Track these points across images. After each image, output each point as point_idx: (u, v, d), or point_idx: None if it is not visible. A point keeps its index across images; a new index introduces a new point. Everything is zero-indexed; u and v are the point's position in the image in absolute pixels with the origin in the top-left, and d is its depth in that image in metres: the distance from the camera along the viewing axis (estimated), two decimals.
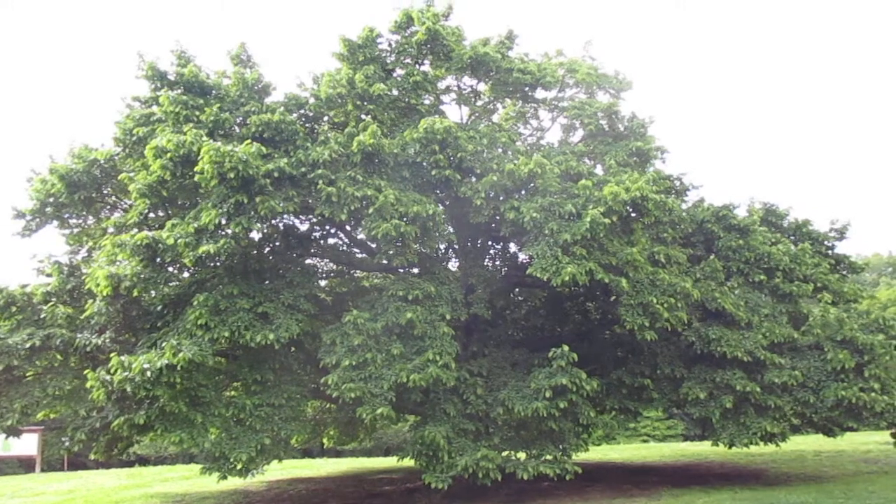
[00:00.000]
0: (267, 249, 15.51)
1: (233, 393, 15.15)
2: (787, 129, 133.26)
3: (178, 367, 11.73)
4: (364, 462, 27.75)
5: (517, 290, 18.93)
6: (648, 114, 17.44)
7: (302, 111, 15.39)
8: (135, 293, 13.29)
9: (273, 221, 14.73)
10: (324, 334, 13.53)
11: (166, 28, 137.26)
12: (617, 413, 16.86)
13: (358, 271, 19.08)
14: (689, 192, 18.75)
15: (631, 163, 15.87)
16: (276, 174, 12.80)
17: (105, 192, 16.19)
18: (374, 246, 15.23)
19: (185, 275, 14.87)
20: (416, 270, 15.37)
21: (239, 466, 12.93)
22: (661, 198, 14.09)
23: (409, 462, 14.51)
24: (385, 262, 14.72)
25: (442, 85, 17.14)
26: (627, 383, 15.71)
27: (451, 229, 16.00)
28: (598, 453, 25.45)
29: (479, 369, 14.95)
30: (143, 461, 36.37)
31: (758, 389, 14.69)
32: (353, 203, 13.05)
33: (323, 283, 18.45)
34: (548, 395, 13.22)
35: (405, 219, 13.23)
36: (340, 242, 17.45)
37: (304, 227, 16.11)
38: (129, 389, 11.88)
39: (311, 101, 15.53)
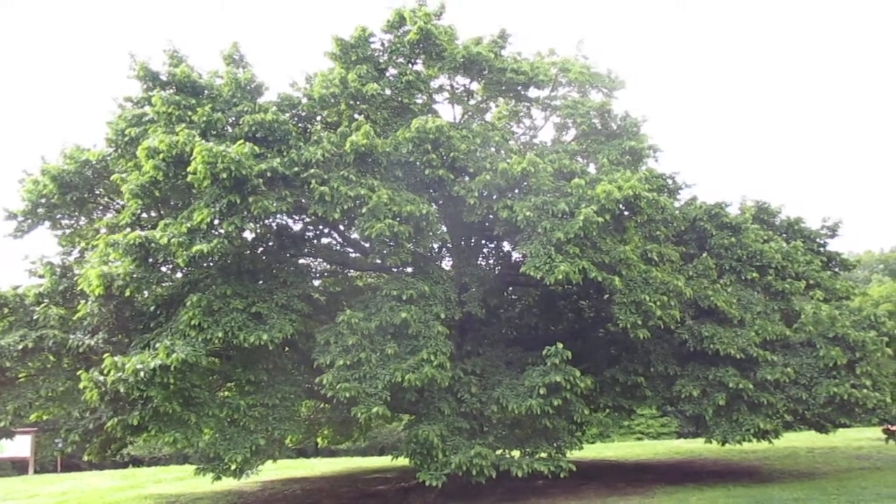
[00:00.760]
0: (260, 249, 15.48)
1: (227, 393, 15.13)
2: (779, 127, 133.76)
3: (172, 368, 11.69)
4: (359, 462, 27.75)
5: (511, 288, 18.95)
6: (641, 113, 17.53)
7: (295, 111, 15.36)
8: (127, 293, 13.23)
9: (266, 221, 14.71)
10: (318, 334, 13.53)
11: (160, 28, 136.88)
12: (611, 411, 16.93)
13: (352, 271, 19.07)
14: (681, 190, 18.84)
15: (624, 161, 15.92)
16: (269, 174, 12.78)
17: (97, 192, 16.16)
18: (367, 245, 15.22)
19: (178, 275, 14.82)
20: (409, 270, 15.36)
21: (233, 467, 12.92)
22: (653, 196, 14.13)
23: (403, 461, 14.54)
24: (379, 261, 14.73)
25: (435, 84, 17.16)
26: (621, 381, 15.76)
27: (445, 228, 16.02)
28: (593, 451, 25.54)
29: (474, 368, 14.98)
30: (137, 462, 36.31)
31: (750, 386, 14.76)
32: (347, 202, 13.03)
33: (317, 282, 18.44)
34: (542, 392, 13.26)
35: (398, 218, 13.22)
36: (334, 242, 17.43)
37: (297, 227, 16.08)
38: (122, 390, 11.86)
39: (304, 100, 15.50)
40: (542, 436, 14.09)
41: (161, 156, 12.70)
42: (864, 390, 14.48)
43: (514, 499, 15.06)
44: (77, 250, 16.67)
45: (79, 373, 12.77)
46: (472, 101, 17.89)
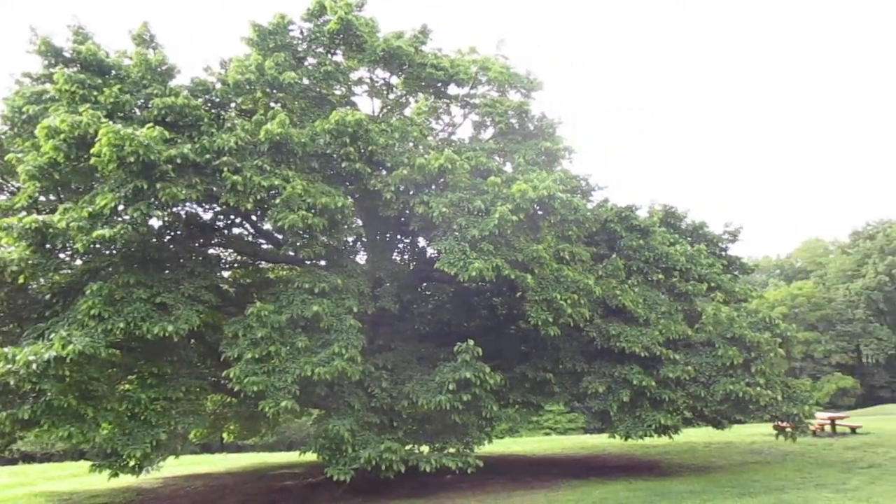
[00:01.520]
0: (167, 238, 14.92)
1: (127, 386, 14.52)
2: (691, 137, 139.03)
3: (68, 360, 11.10)
4: (266, 457, 27.20)
5: (425, 284, 18.98)
6: (557, 115, 17.82)
7: (208, 96, 14.88)
8: (21, 280, 12.57)
9: (174, 209, 14.16)
10: (226, 326, 13.17)
11: (66, 4, 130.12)
12: (520, 406, 17.17)
13: (263, 263, 18.67)
14: (594, 192, 19.16)
15: (539, 161, 16.16)
16: (178, 160, 12.34)
17: None
18: (280, 237, 14.94)
19: (78, 262, 14.12)
20: (323, 263, 15.18)
21: (132, 463, 12.43)
22: (567, 197, 14.39)
23: (311, 456, 14.35)
24: (292, 253, 14.46)
25: (354, 76, 16.99)
26: (530, 377, 16.06)
27: (360, 222, 15.89)
28: (502, 446, 25.88)
29: (385, 363, 14.93)
30: (28, 458, 34.50)
31: (653, 384, 15.29)
32: (260, 192, 12.74)
33: (226, 273, 17.99)
34: (452, 388, 13.33)
35: (313, 210, 13.02)
36: (246, 233, 17.03)
37: (207, 216, 15.62)
38: (12, 382, 11.19)
39: (218, 86, 15.04)
40: (451, 431, 14.16)
41: (62, 136, 12.07)
42: (758, 388, 15.16)
43: (423, 494, 15.10)
44: None
45: None
46: (391, 95, 17.80)
